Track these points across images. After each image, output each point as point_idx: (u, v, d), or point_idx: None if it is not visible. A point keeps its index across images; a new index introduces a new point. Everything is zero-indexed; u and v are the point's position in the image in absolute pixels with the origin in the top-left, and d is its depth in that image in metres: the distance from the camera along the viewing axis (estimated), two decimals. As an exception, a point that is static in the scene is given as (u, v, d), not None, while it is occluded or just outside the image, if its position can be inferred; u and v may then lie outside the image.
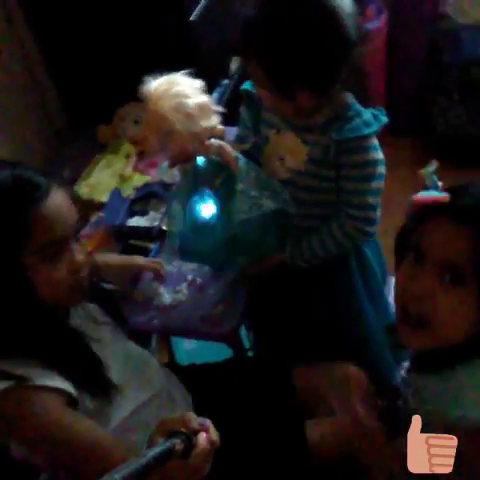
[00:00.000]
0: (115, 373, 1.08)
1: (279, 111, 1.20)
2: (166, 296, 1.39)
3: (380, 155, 1.20)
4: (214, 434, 0.69)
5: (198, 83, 1.18)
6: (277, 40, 1.04)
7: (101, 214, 1.64)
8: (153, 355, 1.54)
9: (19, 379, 0.92)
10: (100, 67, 1.96)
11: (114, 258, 1.42)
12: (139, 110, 1.80)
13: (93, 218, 1.65)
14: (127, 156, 1.85)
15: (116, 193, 1.68)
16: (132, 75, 1.99)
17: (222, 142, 1.21)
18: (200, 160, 1.23)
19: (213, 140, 1.20)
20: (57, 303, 1.01)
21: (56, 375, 0.97)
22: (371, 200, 1.21)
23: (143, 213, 1.63)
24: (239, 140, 1.33)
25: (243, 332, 1.57)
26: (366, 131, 1.15)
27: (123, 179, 1.76)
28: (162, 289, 1.41)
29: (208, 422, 0.69)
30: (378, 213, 1.25)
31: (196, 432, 0.68)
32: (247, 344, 1.62)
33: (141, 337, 1.40)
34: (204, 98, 1.17)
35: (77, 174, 1.82)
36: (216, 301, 1.35)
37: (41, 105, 2.04)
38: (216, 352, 1.48)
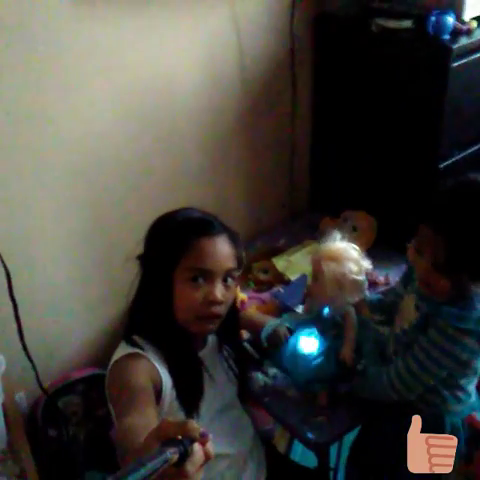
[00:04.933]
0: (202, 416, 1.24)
1: (424, 280, 1.23)
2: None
3: (456, 351, 1.20)
4: (210, 447, 0.67)
5: (367, 264, 1.37)
6: (470, 234, 1.13)
7: (282, 289, 1.84)
8: (271, 433, 1.70)
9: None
10: (350, 174, 2.17)
11: (256, 317, 1.58)
12: (359, 221, 1.99)
13: (275, 288, 1.86)
14: (332, 252, 2.00)
15: (303, 278, 1.84)
16: (369, 191, 2.20)
17: (351, 309, 1.39)
18: (327, 310, 1.44)
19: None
20: (186, 324, 1.21)
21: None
22: (422, 375, 1.24)
23: (312, 305, 1.78)
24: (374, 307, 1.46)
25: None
26: (452, 321, 1.18)
27: (317, 269, 1.93)
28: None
29: (209, 434, 0.67)
30: (419, 389, 1.26)
31: (192, 441, 0.66)
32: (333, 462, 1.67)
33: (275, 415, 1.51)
34: (362, 278, 1.36)
35: (287, 247, 2.06)
36: (321, 412, 1.42)
37: (290, 178, 2.29)
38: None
